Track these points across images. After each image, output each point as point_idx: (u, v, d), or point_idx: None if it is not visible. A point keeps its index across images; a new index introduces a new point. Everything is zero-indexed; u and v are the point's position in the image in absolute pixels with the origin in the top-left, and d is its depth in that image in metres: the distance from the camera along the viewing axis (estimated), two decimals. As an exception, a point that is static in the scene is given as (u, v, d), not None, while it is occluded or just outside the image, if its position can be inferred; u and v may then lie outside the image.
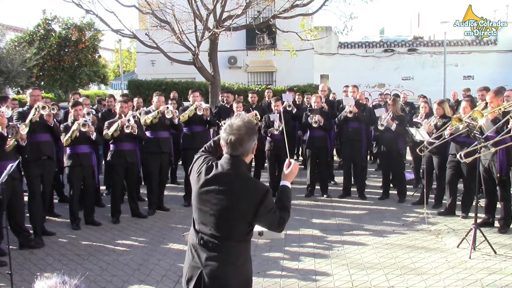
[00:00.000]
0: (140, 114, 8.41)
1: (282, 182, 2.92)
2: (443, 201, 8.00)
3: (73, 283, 1.87)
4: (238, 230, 2.74)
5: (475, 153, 7.08)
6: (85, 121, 7.10)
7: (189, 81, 19.08)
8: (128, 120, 7.50)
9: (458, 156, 5.88)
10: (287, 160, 2.98)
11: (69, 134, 7.00)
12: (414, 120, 8.92)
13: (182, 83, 18.61)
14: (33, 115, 6.54)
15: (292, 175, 2.94)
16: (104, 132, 7.53)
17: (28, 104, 6.91)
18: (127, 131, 7.44)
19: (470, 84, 16.10)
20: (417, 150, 7.60)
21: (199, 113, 8.30)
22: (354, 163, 9.03)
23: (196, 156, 2.99)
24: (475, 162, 7.15)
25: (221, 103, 10.73)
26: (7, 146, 5.90)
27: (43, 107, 6.61)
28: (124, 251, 6.31)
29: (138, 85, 19.11)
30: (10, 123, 6.05)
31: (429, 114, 8.50)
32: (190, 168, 2.94)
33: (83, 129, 7.02)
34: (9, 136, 5.92)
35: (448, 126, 7.06)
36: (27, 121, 6.37)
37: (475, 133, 6.20)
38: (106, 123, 7.71)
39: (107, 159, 7.86)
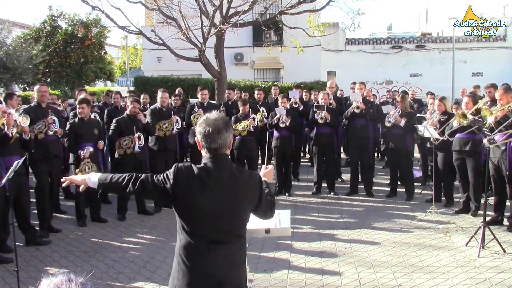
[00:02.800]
0: (146, 112, 8.40)
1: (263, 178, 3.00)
2: (454, 199, 7.94)
3: (79, 281, 1.84)
4: (246, 223, 2.80)
5: (477, 148, 7.04)
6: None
7: (196, 78, 19.01)
8: (139, 137, 7.53)
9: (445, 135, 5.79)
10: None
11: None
12: (418, 115, 8.86)
13: (189, 80, 18.57)
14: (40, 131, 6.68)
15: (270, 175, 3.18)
16: (117, 148, 7.55)
17: (35, 100, 6.92)
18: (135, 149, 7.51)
19: (479, 80, 15.94)
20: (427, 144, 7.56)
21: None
22: (361, 161, 8.97)
23: (173, 172, 2.77)
24: (479, 159, 7.12)
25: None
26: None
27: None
28: (131, 248, 6.31)
29: (144, 82, 19.07)
30: None
31: (437, 112, 8.43)
32: (171, 181, 2.72)
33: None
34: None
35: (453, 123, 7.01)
36: (33, 135, 6.41)
37: (484, 130, 6.13)
38: (113, 122, 7.69)
39: (116, 157, 7.82)
